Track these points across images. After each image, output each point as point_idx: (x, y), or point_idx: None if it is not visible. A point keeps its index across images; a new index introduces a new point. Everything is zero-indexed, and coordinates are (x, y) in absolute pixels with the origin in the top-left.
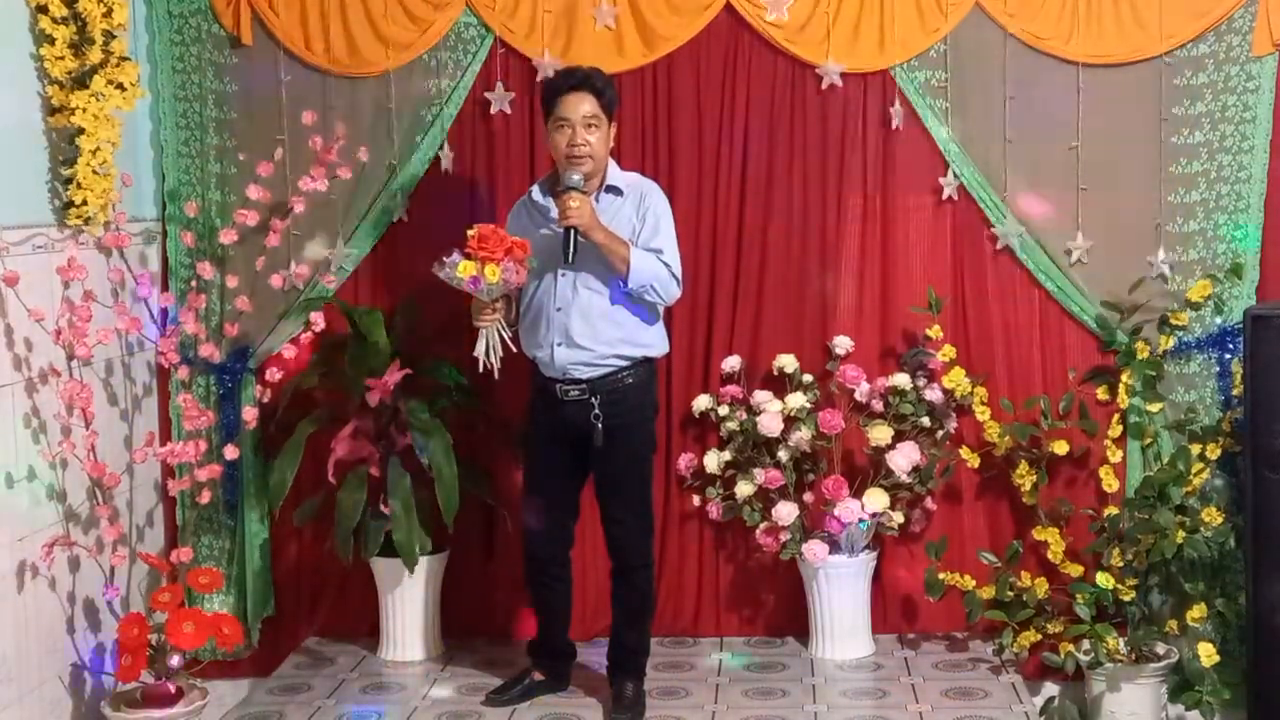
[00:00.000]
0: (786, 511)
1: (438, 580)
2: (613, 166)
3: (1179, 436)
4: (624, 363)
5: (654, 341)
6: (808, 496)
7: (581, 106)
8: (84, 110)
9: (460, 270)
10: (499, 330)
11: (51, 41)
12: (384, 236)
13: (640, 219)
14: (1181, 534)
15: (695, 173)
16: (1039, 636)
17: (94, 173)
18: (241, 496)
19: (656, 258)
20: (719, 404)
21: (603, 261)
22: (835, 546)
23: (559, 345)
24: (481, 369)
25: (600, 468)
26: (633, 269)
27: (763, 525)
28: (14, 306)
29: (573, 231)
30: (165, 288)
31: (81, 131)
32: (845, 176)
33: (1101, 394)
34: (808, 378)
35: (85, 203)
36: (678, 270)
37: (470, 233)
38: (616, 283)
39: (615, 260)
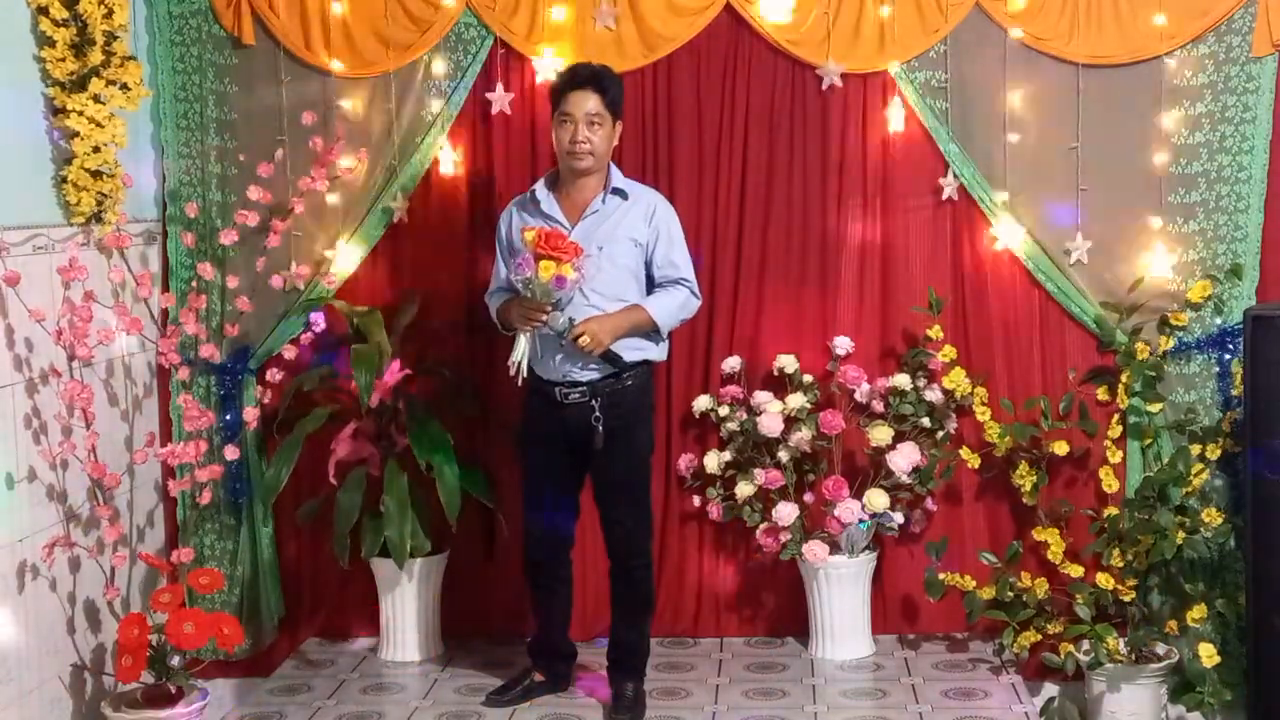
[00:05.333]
0: (787, 512)
1: (437, 581)
2: (615, 170)
3: (1179, 437)
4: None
5: (655, 347)
6: (808, 497)
7: (586, 104)
8: (79, 113)
9: (543, 272)
10: (535, 335)
11: (52, 44)
12: (384, 236)
13: (653, 232)
14: (1181, 534)
15: (695, 173)
16: (1039, 637)
17: (88, 173)
18: (250, 497)
19: (674, 287)
20: (719, 404)
21: (606, 273)
22: (835, 547)
23: (560, 351)
24: (512, 372)
25: (600, 469)
26: (659, 322)
27: (763, 526)
28: (15, 307)
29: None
30: (166, 288)
31: (77, 134)
32: (845, 176)
33: (1101, 394)
34: (808, 378)
35: (80, 203)
36: (695, 287)
37: (529, 236)
38: (620, 291)
39: (640, 330)
